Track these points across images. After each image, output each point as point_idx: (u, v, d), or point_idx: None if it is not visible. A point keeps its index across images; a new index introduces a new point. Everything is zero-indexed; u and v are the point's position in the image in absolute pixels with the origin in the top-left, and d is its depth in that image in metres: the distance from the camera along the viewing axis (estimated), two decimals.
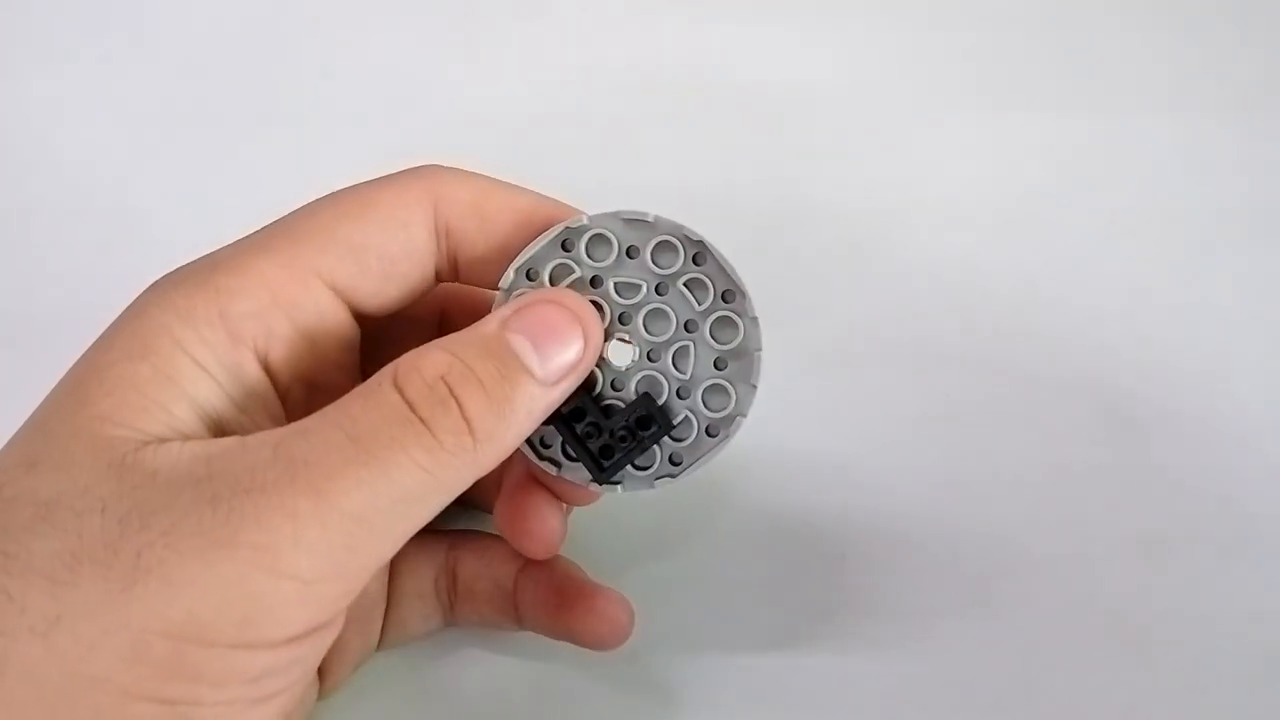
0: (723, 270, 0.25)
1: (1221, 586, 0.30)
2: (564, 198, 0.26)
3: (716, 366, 0.25)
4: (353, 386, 0.23)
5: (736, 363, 0.25)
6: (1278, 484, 0.31)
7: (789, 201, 0.40)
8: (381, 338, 0.26)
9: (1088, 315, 0.36)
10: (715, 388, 0.25)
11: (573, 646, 0.28)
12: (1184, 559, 0.31)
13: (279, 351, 0.23)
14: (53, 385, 0.22)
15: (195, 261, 0.23)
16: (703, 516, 0.31)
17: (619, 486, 0.26)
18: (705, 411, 0.25)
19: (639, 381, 0.25)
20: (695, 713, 0.28)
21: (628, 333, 0.25)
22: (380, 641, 0.29)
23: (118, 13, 0.44)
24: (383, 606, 0.28)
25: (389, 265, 0.24)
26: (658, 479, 0.26)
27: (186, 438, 0.21)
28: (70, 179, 0.39)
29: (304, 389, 0.24)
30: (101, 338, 0.22)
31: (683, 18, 0.45)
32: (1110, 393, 0.34)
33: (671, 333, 0.25)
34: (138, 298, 0.23)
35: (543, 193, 0.26)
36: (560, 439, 0.25)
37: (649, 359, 0.25)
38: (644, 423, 0.25)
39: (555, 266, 0.25)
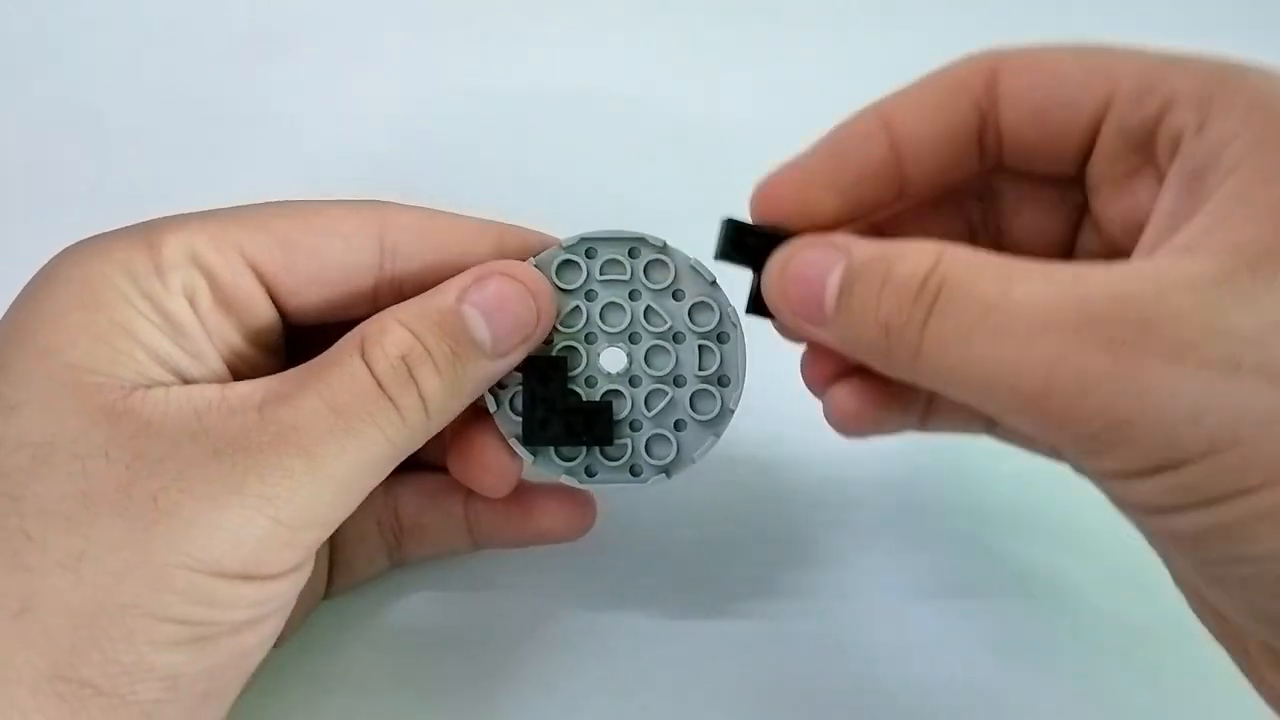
0: (737, 360, 0.27)
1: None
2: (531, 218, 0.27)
3: (676, 426, 0.27)
4: (272, 366, 0.26)
5: (694, 431, 0.27)
6: None
7: None
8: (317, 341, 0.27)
9: None
10: (663, 439, 0.27)
11: (510, 567, 0.31)
12: None
13: (201, 306, 0.24)
14: None
15: (128, 226, 0.24)
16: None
17: (534, 458, 0.27)
18: (643, 451, 0.27)
19: (609, 392, 0.27)
20: (642, 625, 0.30)
21: (629, 352, 0.27)
22: (328, 589, 0.30)
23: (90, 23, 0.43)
24: (325, 556, 0.29)
25: (318, 268, 0.25)
26: (566, 474, 0.27)
27: (163, 385, 0.23)
28: (51, 182, 0.39)
29: (227, 352, 0.25)
30: (40, 286, 0.23)
31: (640, 39, 0.45)
32: None
33: (661, 374, 0.27)
34: (68, 250, 0.24)
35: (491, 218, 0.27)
36: (514, 391, 0.26)
37: (630, 382, 0.27)
38: (590, 425, 0.26)
39: (609, 260, 0.27)
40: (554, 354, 0.26)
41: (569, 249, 0.26)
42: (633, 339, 0.27)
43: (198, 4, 0.44)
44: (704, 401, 0.27)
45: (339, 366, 0.23)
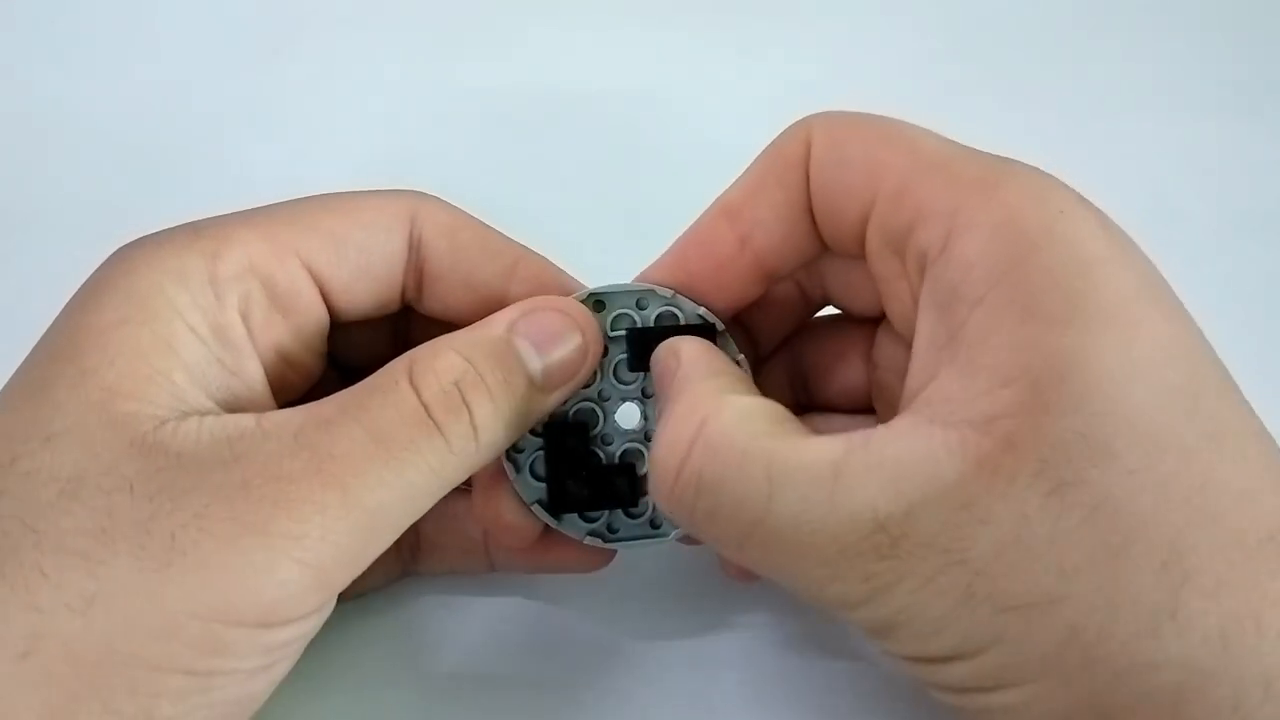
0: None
1: None
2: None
3: None
4: (318, 368, 0.26)
5: None
6: None
7: None
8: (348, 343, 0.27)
9: None
10: None
11: (525, 585, 0.30)
12: None
13: (255, 317, 0.24)
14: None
15: (177, 226, 0.24)
16: None
17: (558, 522, 0.26)
18: None
19: (627, 451, 0.26)
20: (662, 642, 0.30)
21: (643, 409, 0.26)
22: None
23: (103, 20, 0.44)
24: None
25: (365, 262, 0.25)
26: (589, 534, 0.26)
27: (199, 413, 0.22)
28: (62, 181, 0.39)
29: (276, 359, 0.25)
30: (89, 295, 0.23)
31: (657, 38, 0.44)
32: None
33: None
34: (119, 254, 0.23)
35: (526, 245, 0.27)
36: (532, 456, 0.26)
37: (645, 437, 0.26)
38: (614, 488, 0.26)
39: (619, 314, 0.26)
40: (570, 415, 0.26)
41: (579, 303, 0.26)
42: (645, 394, 0.26)
43: (204, 6, 0.44)
44: None
45: (383, 393, 0.22)
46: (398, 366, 0.23)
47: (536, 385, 0.24)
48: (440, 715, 0.29)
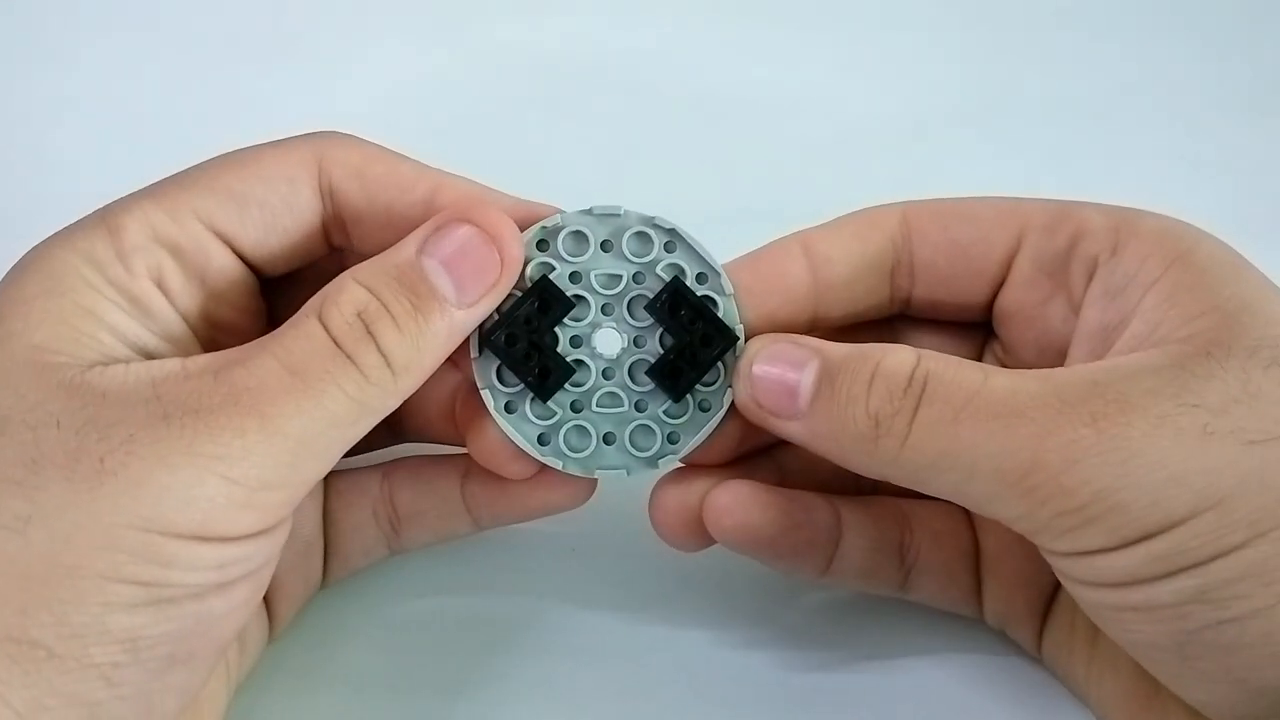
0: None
1: None
2: (536, 194, 0.27)
3: (605, 438, 0.26)
4: (255, 329, 0.26)
5: (614, 454, 0.26)
6: None
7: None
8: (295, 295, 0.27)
9: None
10: (586, 434, 0.26)
11: (508, 565, 0.31)
12: None
13: (171, 284, 0.24)
14: None
15: (88, 214, 0.24)
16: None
17: (478, 356, 0.26)
18: (562, 431, 0.26)
19: (579, 360, 0.26)
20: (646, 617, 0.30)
21: (625, 347, 0.26)
22: (325, 578, 0.30)
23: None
24: (319, 546, 0.29)
25: (270, 216, 0.25)
26: (488, 390, 0.26)
27: (126, 362, 0.23)
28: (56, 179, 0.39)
29: (203, 323, 0.25)
30: (5, 279, 0.23)
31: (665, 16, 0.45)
32: None
33: (633, 389, 0.26)
34: (35, 247, 0.24)
35: (451, 171, 0.26)
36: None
37: (603, 373, 0.26)
38: (543, 373, 0.26)
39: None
40: (570, 293, 0.26)
41: (655, 225, 0.26)
42: (638, 342, 0.26)
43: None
44: (644, 438, 0.26)
45: (295, 328, 0.23)
46: (311, 303, 0.23)
47: (452, 303, 0.24)
48: (426, 704, 0.29)
